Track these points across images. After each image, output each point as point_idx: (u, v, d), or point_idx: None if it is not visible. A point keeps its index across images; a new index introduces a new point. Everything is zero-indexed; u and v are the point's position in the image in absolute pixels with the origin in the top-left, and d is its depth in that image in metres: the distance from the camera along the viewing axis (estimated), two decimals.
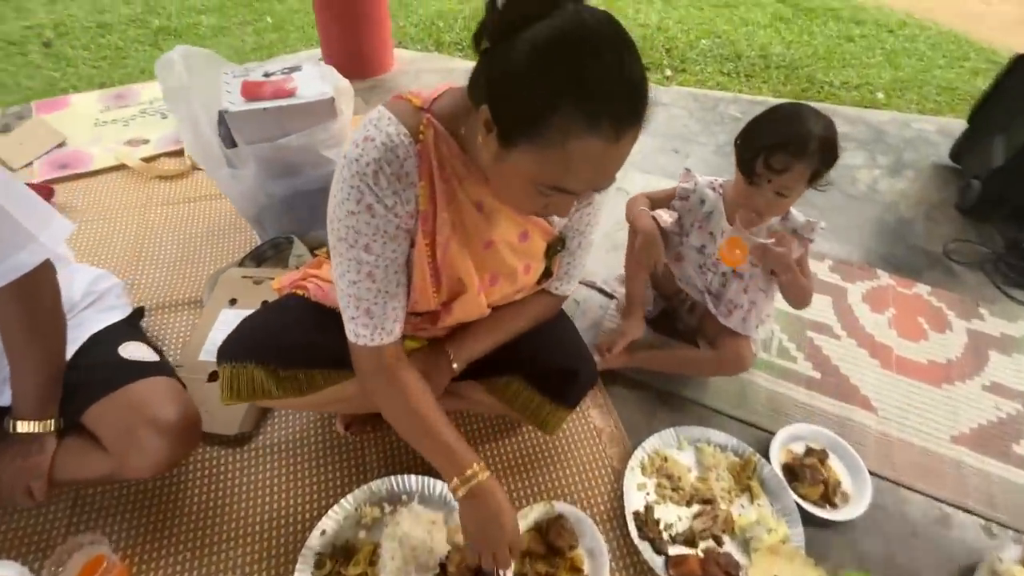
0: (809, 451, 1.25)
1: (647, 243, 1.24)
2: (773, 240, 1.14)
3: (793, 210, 1.20)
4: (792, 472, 1.21)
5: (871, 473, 1.22)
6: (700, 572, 1.02)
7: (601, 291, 1.60)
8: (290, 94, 1.36)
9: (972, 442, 1.31)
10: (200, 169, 1.82)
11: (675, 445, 1.26)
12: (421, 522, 1.05)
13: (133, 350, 1.14)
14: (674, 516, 1.13)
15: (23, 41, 2.90)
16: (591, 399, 1.32)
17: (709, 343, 1.40)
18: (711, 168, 2.04)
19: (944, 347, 1.53)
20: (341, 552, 1.03)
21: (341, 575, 1.00)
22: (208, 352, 1.29)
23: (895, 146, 2.23)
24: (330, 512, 1.08)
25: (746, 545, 1.09)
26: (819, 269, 1.70)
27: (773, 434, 1.27)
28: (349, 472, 1.18)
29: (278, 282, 1.12)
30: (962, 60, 3.08)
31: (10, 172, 1.79)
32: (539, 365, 1.04)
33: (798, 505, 1.14)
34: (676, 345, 1.45)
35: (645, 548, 1.06)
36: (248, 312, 1.07)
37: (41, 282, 0.98)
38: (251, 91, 1.35)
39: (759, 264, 1.21)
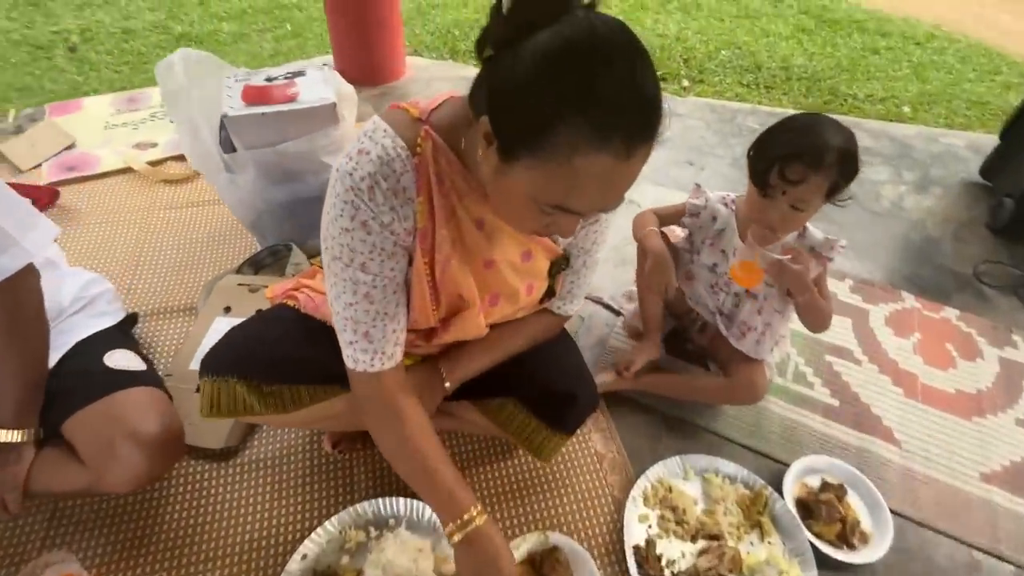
0: (825, 485, 1.17)
1: (657, 266, 1.18)
2: (789, 257, 1.07)
3: (811, 226, 1.13)
4: (807, 508, 1.13)
5: (893, 512, 1.13)
6: None
7: (608, 307, 1.54)
8: (291, 99, 1.33)
9: (1005, 481, 1.22)
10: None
11: (681, 475, 1.18)
12: (407, 549, 0.99)
13: (119, 358, 1.11)
14: (677, 552, 1.06)
15: (50, 45, 2.95)
16: (593, 423, 1.26)
17: (720, 367, 1.33)
18: (728, 182, 1.97)
19: (974, 376, 1.43)
20: None
21: None
22: (199, 361, 1.25)
23: (922, 161, 2.14)
24: (312, 535, 1.02)
25: None
26: (839, 289, 1.62)
27: (787, 466, 1.19)
28: (336, 492, 1.13)
29: (271, 291, 1.08)
30: (993, 74, 2.98)
31: (18, 173, 1.80)
32: (536, 387, 0.99)
33: (812, 545, 1.06)
34: (686, 368, 1.38)
35: None
36: (241, 321, 1.03)
37: (23, 287, 0.96)
38: (252, 95, 1.32)
39: (775, 283, 1.14)
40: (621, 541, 1.06)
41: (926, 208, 1.94)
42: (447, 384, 0.94)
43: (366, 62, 2.33)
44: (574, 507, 1.13)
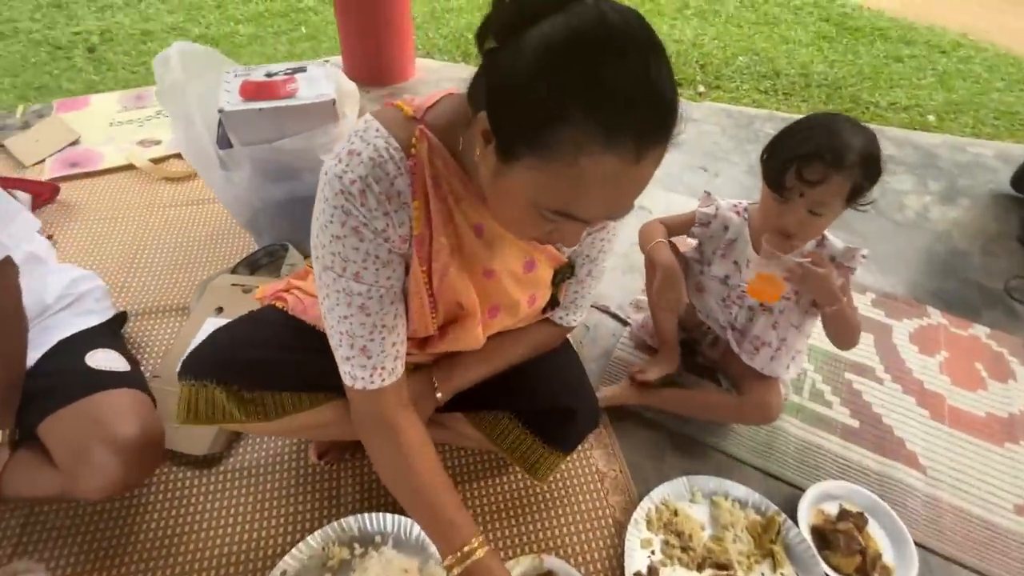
0: (844, 513, 1.09)
1: (666, 281, 1.10)
2: (810, 260, 0.98)
3: (830, 235, 1.06)
4: (823, 537, 1.05)
5: (917, 545, 1.05)
6: None
7: (615, 317, 1.47)
8: (290, 95, 1.30)
9: None
10: None
11: (687, 497, 1.11)
12: (392, 570, 0.93)
13: (101, 358, 1.07)
14: None
15: (69, 46, 2.98)
16: (595, 438, 1.19)
17: (732, 383, 1.25)
18: (743, 189, 1.90)
19: (1006, 399, 1.34)
20: None
21: None
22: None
23: (948, 171, 2.05)
24: (294, 550, 0.97)
25: None
26: (860, 303, 1.54)
27: (802, 490, 1.12)
28: (321, 505, 1.07)
29: (261, 291, 1.03)
30: (1022, 83, 2.87)
31: (22, 168, 1.79)
32: (533, 401, 0.93)
33: None
34: (696, 383, 1.31)
35: None
36: (227, 322, 0.99)
37: None
38: (250, 91, 1.29)
39: (799, 292, 1.06)
40: (621, 567, 0.99)
41: (952, 219, 1.85)
42: (439, 395, 0.89)
43: (375, 62, 2.30)
44: (572, 528, 1.06)
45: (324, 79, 1.35)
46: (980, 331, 1.49)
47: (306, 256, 1.44)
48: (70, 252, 1.54)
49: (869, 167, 0.91)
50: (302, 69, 1.38)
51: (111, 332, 1.18)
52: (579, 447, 1.08)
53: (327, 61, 1.43)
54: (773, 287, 1.01)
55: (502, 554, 1.02)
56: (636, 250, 1.23)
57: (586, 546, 1.04)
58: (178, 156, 1.86)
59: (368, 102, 2.17)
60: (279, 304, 0.95)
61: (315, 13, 3.44)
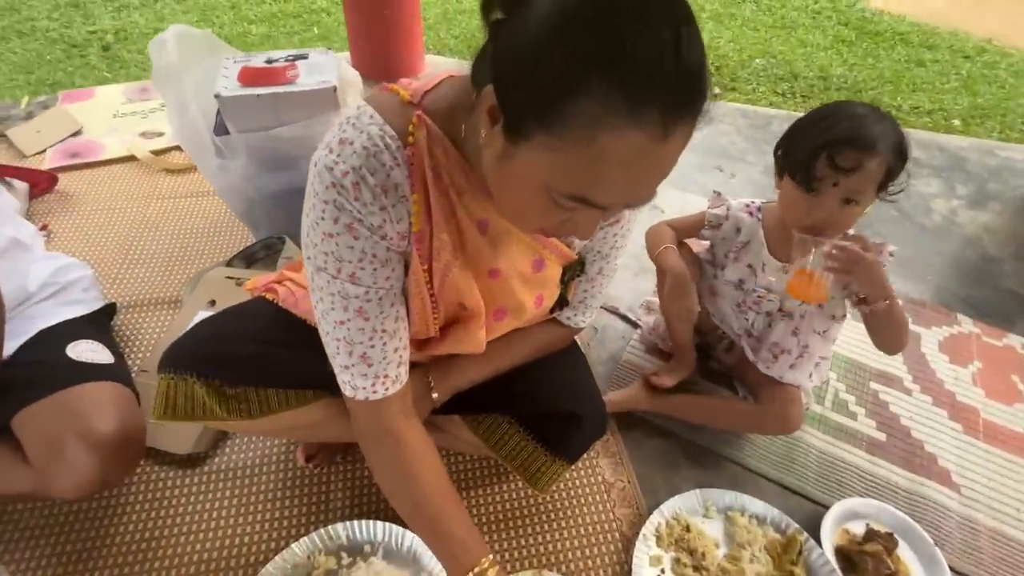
0: (872, 534, 1.00)
1: (676, 289, 1.04)
2: (857, 246, 0.88)
3: (852, 232, 0.99)
4: (848, 560, 0.96)
5: (953, 571, 0.97)
6: None
7: (625, 319, 1.40)
8: (290, 81, 1.25)
9: None
10: None
11: (700, 511, 1.03)
12: None
13: (84, 349, 1.02)
14: None
15: (85, 44, 3.00)
16: (602, 446, 1.12)
17: (750, 391, 1.18)
18: (759, 190, 1.83)
19: None
20: None
21: None
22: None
23: (977, 175, 1.96)
24: (276, 558, 0.91)
25: None
26: None
27: (825, 508, 1.04)
28: (308, 510, 1.01)
29: (252, 283, 0.97)
30: None
31: (23, 158, 1.76)
32: (536, 405, 0.86)
33: None
34: (711, 390, 1.23)
35: None
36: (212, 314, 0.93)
37: None
38: (249, 77, 1.24)
39: (841, 284, 0.94)
40: None
41: (982, 224, 1.76)
42: (435, 395, 0.82)
43: (382, 56, 2.26)
44: (576, 543, 0.99)
45: (326, 66, 1.30)
46: (1015, 341, 1.40)
47: None
48: (65, 242, 1.50)
49: (899, 148, 0.86)
50: (303, 56, 1.33)
51: (97, 323, 1.13)
52: (584, 455, 1.01)
53: (330, 49, 1.38)
54: (816, 285, 0.91)
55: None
56: None
57: (590, 562, 0.96)
58: (179, 148, 1.83)
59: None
60: (269, 296, 0.90)
61: (328, 14, 3.44)
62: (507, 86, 0.48)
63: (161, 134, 1.86)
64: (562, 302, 0.84)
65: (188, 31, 1.25)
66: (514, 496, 1.04)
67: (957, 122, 2.47)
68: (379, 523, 0.95)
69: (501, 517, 1.01)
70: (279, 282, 0.92)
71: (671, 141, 0.46)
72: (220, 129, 1.28)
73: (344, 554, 0.93)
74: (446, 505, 0.70)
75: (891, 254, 0.97)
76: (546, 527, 1.01)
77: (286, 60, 1.31)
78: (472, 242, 0.67)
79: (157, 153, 1.79)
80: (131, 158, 1.78)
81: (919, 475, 1.12)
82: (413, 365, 0.86)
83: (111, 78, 2.58)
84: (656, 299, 1.38)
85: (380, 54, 2.27)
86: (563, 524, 1.01)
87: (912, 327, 1.42)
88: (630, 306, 1.42)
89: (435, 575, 0.87)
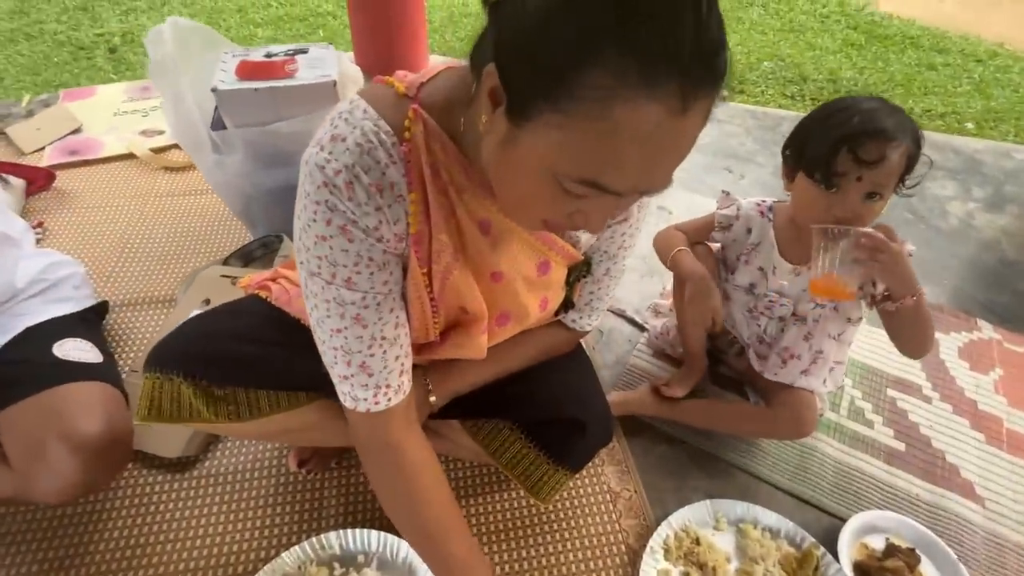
0: (892, 549, 0.95)
1: (699, 294, 0.97)
2: (880, 236, 0.81)
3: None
4: None
5: None
6: None
7: (632, 322, 1.36)
8: (289, 76, 1.22)
9: None
10: None
11: (711, 523, 0.98)
12: None
13: (71, 348, 0.98)
14: None
15: (92, 46, 3.00)
16: (607, 453, 1.07)
17: (761, 396, 1.13)
18: (768, 191, 1.78)
19: None
20: None
21: None
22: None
23: (993, 177, 1.91)
24: (265, 568, 0.87)
25: None
26: None
27: (842, 520, 0.99)
28: (300, 518, 0.97)
29: (247, 280, 0.94)
30: None
31: (21, 155, 1.74)
32: (538, 410, 0.82)
33: None
34: (720, 395, 1.18)
35: None
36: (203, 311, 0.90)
37: None
38: (247, 71, 1.21)
39: (867, 278, 0.87)
40: None
41: (1000, 227, 1.71)
42: (433, 399, 0.78)
43: (387, 59, 2.24)
44: (580, 555, 0.94)
45: (326, 60, 1.28)
46: None
47: None
48: (60, 239, 1.48)
49: (916, 137, 0.83)
50: (303, 50, 1.31)
51: (87, 322, 1.10)
52: (588, 463, 0.97)
53: (330, 44, 1.36)
54: (841, 280, 0.85)
55: None
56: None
57: (595, 575, 0.92)
58: (179, 146, 1.80)
59: None
60: (263, 294, 0.86)
61: (333, 17, 3.43)
62: (510, 62, 0.44)
63: (161, 132, 1.84)
64: (567, 304, 0.80)
65: (186, 23, 1.22)
66: (515, 506, 1.00)
67: (971, 125, 2.42)
68: (374, 532, 0.91)
69: (502, 528, 0.97)
70: (273, 280, 0.89)
71: (690, 116, 0.42)
72: (217, 124, 1.25)
73: (337, 565, 0.88)
74: (447, 522, 0.67)
75: (909, 254, 0.92)
76: (548, 539, 0.96)
77: (286, 54, 1.29)
78: (473, 243, 0.63)
79: (157, 151, 1.76)
80: (130, 156, 1.75)
81: (941, 487, 1.07)
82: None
83: (117, 80, 2.57)
84: (664, 302, 1.34)
85: (384, 57, 2.25)
86: (566, 535, 0.96)
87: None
88: (637, 309, 1.37)
89: None
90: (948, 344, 1.33)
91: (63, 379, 0.91)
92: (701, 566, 0.92)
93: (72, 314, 1.06)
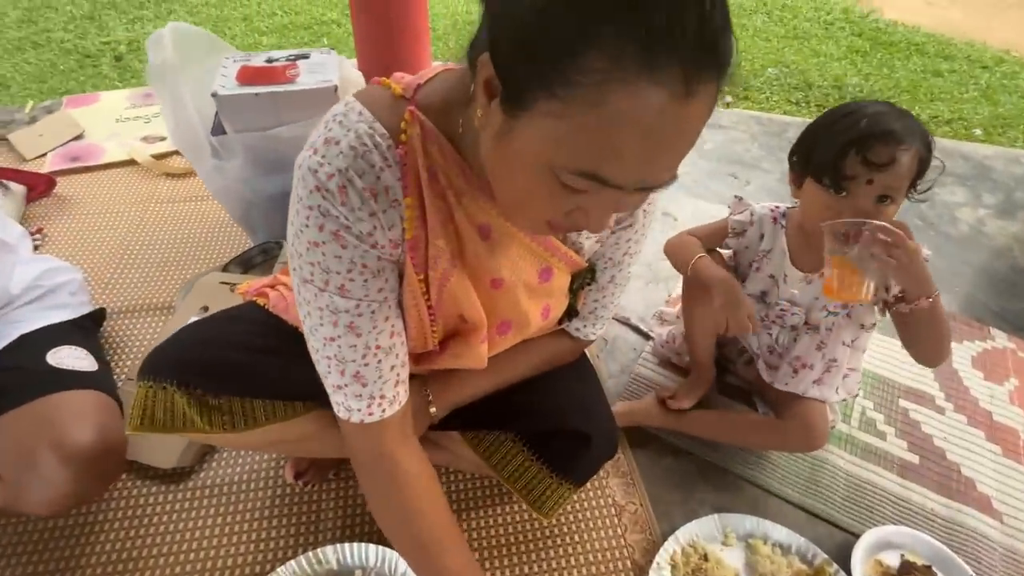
0: (908, 566, 0.92)
1: (730, 301, 0.92)
2: (897, 230, 0.78)
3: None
4: None
5: None
6: None
7: (636, 330, 1.33)
8: (290, 81, 1.21)
9: None
10: None
11: (719, 538, 0.95)
12: None
13: (66, 356, 0.97)
14: None
15: (98, 54, 3.03)
16: (612, 465, 1.04)
17: (771, 407, 1.10)
18: (775, 197, 1.75)
19: None
20: None
21: None
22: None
23: (1004, 183, 1.89)
24: None
25: None
26: None
27: (855, 536, 0.96)
28: (297, 531, 0.94)
29: (245, 286, 0.92)
30: None
31: (23, 162, 1.74)
32: (541, 422, 0.80)
33: None
34: (728, 406, 1.16)
35: None
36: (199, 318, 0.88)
37: None
38: (248, 76, 1.20)
39: (882, 277, 0.83)
40: None
41: (1012, 234, 1.68)
42: (433, 410, 0.76)
43: (390, 67, 2.23)
44: (584, 571, 0.91)
45: (327, 66, 1.26)
46: None
47: None
48: (59, 245, 1.47)
49: (926, 141, 0.81)
50: (305, 56, 1.30)
51: (83, 329, 1.08)
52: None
53: (332, 50, 1.35)
54: (854, 280, 0.81)
55: None
56: (661, 259, 1.10)
57: None
58: (180, 152, 1.80)
59: None
60: (260, 300, 0.85)
61: (337, 25, 3.45)
62: (504, 50, 0.42)
63: (163, 138, 1.84)
64: (571, 312, 0.78)
65: (187, 28, 1.22)
66: (517, 519, 0.97)
67: (979, 131, 2.40)
68: (371, 546, 0.88)
69: (503, 542, 0.94)
70: (272, 286, 0.87)
71: (693, 102, 0.40)
72: (217, 129, 1.24)
73: None
74: (442, 534, 0.65)
75: (928, 255, 0.90)
76: (551, 553, 0.93)
77: (287, 59, 1.28)
78: (472, 249, 0.61)
79: (158, 157, 1.75)
80: (131, 162, 1.75)
81: (956, 501, 1.04)
82: (410, 378, 0.80)
83: (122, 87, 2.58)
84: (669, 309, 1.32)
85: (388, 63, 2.25)
86: (570, 551, 0.94)
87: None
88: (642, 316, 1.35)
89: None
90: (961, 353, 1.30)
91: (56, 387, 0.89)
92: None
93: (68, 321, 1.05)
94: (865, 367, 1.24)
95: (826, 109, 0.89)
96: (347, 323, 0.57)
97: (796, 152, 0.90)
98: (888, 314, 0.90)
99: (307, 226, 0.53)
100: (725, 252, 1.08)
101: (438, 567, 0.64)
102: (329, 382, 0.62)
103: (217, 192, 1.28)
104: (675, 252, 1.05)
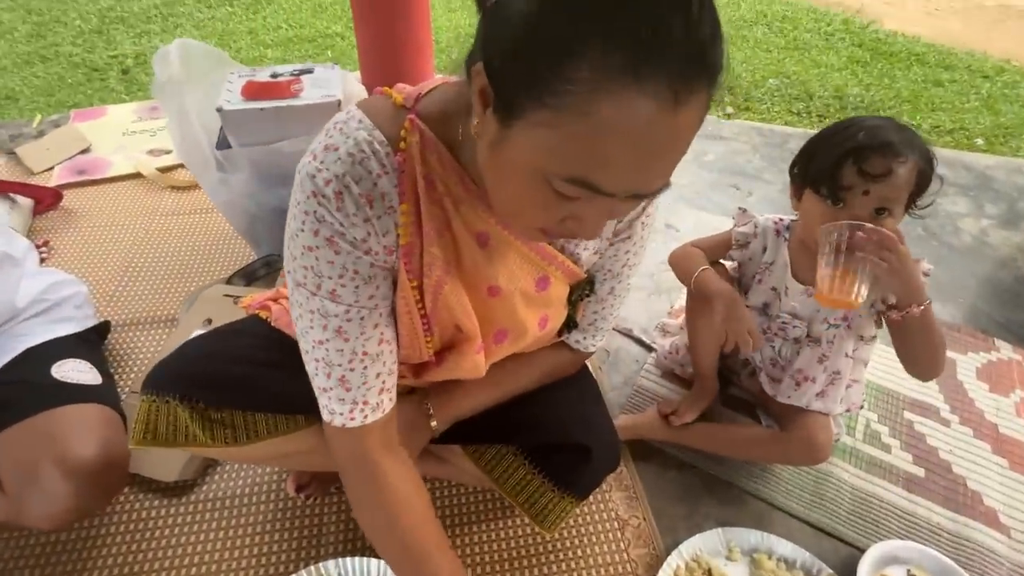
0: None
1: (733, 315, 0.92)
2: (888, 232, 0.78)
3: None
4: None
5: None
6: None
7: (639, 342, 1.33)
8: (294, 95, 1.22)
9: None
10: None
11: (723, 553, 0.95)
12: None
13: (70, 369, 0.97)
14: None
15: (105, 68, 3.07)
16: (615, 479, 1.04)
17: (774, 420, 1.10)
18: (777, 209, 1.75)
19: None
20: None
21: None
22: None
23: (1006, 193, 1.88)
24: None
25: None
26: None
27: (860, 551, 0.95)
28: (299, 544, 0.94)
29: (248, 300, 0.93)
30: None
31: (31, 175, 1.76)
32: (542, 435, 0.80)
33: None
34: (732, 418, 1.15)
35: None
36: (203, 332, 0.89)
37: None
38: (252, 91, 1.22)
39: (874, 281, 0.82)
40: None
41: (1016, 244, 1.67)
42: (434, 424, 0.77)
43: (393, 78, 2.26)
44: None
45: (331, 80, 1.28)
46: None
47: None
48: (65, 258, 1.48)
49: (926, 155, 0.81)
50: (309, 71, 1.32)
51: (88, 342, 1.09)
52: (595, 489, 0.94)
53: (336, 65, 1.36)
54: (845, 283, 0.80)
55: None
56: (664, 269, 1.10)
57: None
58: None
59: None
60: (263, 314, 0.85)
61: (342, 38, 3.49)
62: (497, 59, 0.43)
63: (169, 151, 1.86)
64: (571, 324, 0.78)
65: (193, 45, 1.23)
66: (520, 533, 0.96)
67: (980, 141, 2.40)
68: (373, 560, 0.88)
69: (505, 557, 0.93)
70: (274, 300, 0.88)
71: (683, 112, 0.40)
72: (222, 143, 1.25)
73: None
74: (430, 547, 0.64)
75: (926, 274, 0.90)
76: (554, 568, 0.93)
77: (291, 74, 1.30)
78: (470, 256, 0.61)
79: (163, 170, 1.77)
80: (137, 175, 1.76)
81: (963, 515, 1.02)
82: (411, 391, 0.80)
83: (128, 100, 2.61)
84: (672, 321, 1.32)
85: (391, 75, 2.27)
86: (573, 566, 0.93)
87: (947, 352, 1.33)
88: (644, 328, 1.35)
89: None
90: (966, 365, 1.30)
91: (60, 401, 0.90)
92: None
93: (73, 335, 1.05)
94: (869, 379, 1.24)
95: (827, 119, 0.91)
96: (336, 327, 0.58)
97: (796, 164, 0.91)
98: (884, 321, 0.90)
99: (302, 230, 0.54)
100: (729, 264, 1.09)
101: (422, 564, 0.64)
102: (316, 384, 0.62)
103: (221, 205, 1.29)
104: (679, 264, 1.05)
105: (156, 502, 0.98)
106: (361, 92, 1.33)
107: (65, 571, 0.90)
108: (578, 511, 0.99)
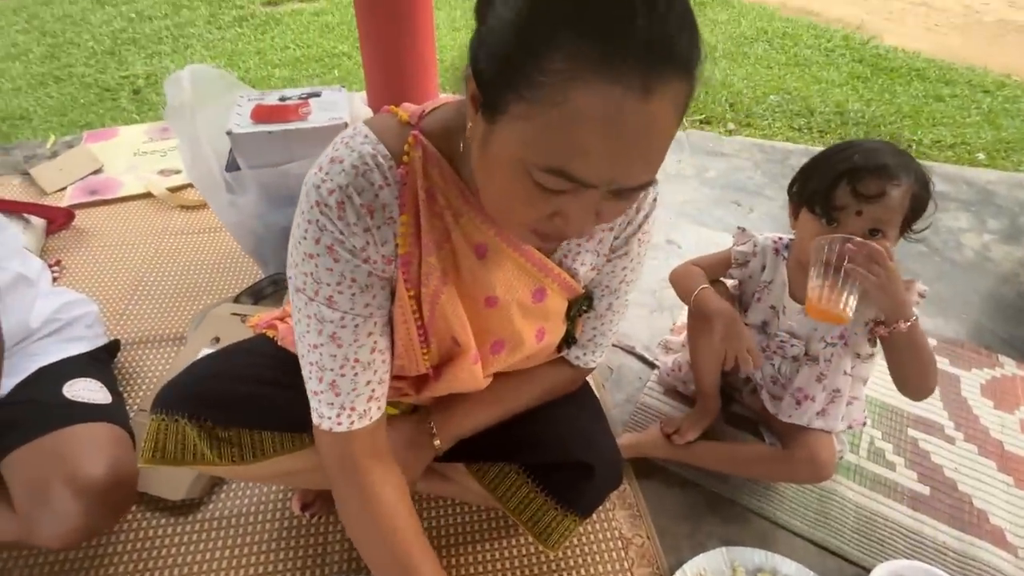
0: None
1: (731, 333, 0.93)
2: (876, 246, 0.80)
3: None
4: None
5: None
6: None
7: (641, 358, 1.34)
8: (302, 119, 1.25)
9: None
10: None
11: (727, 572, 0.94)
12: None
13: (80, 388, 0.99)
14: None
15: (117, 88, 3.13)
16: (618, 497, 1.04)
17: (777, 437, 1.10)
18: (778, 225, 1.77)
19: None
20: None
21: None
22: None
23: (1008, 208, 1.89)
24: None
25: None
26: None
27: (866, 570, 0.94)
28: (304, 563, 0.95)
29: (256, 319, 0.95)
30: None
31: (44, 195, 1.79)
32: (544, 453, 0.80)
33: None
34: (734, 436, 1.15)
35: None
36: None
37: None
38: (261, 114, 1.25)
39: (862, 294, 0.83)
40: None
41: (1018, 260, 1.68)
42: (437, 442, 0.77)
43: (399, 97, 2.30)
44: None
45: (338, 103, 1.31)
46: None
47: None
48: (76, 277, 1.51)
49: (922, 179, 0.83)
50: (316, 94, 1.35)
51: (98, 361, 1.11)
52: (599, 507, 0.94)
53: (343, 87, 1.40)
54: (833, 296, 0.82)
55: None
56: (665, 287, 1.11)
57: None
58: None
59: None
60: (270, 333, 0.87)
61: (348, 58, 3.55)
62: (482, 60, 0.46)
63: (179, 171, 1.89)
64: (570, 340, 0.79)
65: (204, 70, 1.27)
66: (524, 552, 0.97)
67: (982, 156, 2.41)
68: None
69: (508, 575, 0.94)
70: (281, 319, 0.90)
71: (653, 100, 0.42)
72: (232, 165, 1.28)
73: None
74: (415, 554, 0.65)
75: (921, 295, 0.91)
76: None
77: (299, 98, 1.33)
78: (468, 267, 0.63)
79: (173, 190, 1.81)
80: (148, 195, 1.80)
81: (969, 534, 1.02)
82: (415, 408, 0.81)
83: (139, 120, 2.67)
84: (674, 338, 1.32)
85: (397, 95, 2.31)
86: None
87: (950, 369, 1.33)
88: (647, 345, 1.36)
89: None
90: (970, 381, 1.29)
91: (71, 420, 0.91)
92: None
93: (84, 354, 1.07)
94: (872, 396, 1.24)
95: (828, 135, 0.93)
96: (330, 333, 0.60)
97: (794, 184, 0.93)
98: (874, 337, 0.91)
99: (304, 238, 0.56)
100: (730, 282, 1.10)
101: (407, 572, 0.64)
102: (309, 387, 0.64)
103: (230, 226, 1.32)
104: (679, 282, 1.06)
105: (163, 520, 0.99)
106: (367, 114, 1.36)
107: None
108: (581, 530, 0.99)
